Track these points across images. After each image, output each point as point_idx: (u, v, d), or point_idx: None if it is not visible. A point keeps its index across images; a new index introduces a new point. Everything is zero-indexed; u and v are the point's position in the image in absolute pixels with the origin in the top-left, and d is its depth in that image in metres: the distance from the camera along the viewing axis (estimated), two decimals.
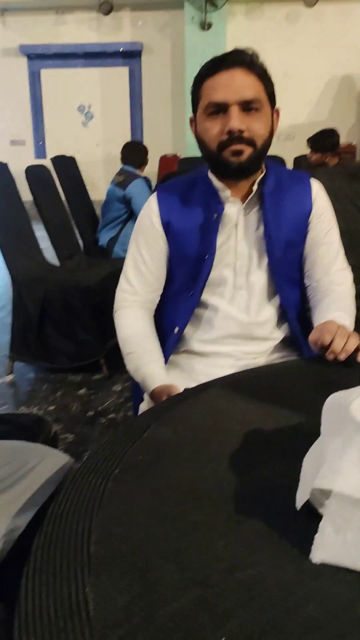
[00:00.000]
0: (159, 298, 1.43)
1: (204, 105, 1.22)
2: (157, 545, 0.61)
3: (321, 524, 0.58)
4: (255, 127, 1.19)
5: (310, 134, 4.38)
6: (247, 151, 1.21)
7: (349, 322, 1.25)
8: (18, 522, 0.80)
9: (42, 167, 3.46)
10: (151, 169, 4.42)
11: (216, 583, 0.55)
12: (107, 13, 8.09)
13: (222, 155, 1.22)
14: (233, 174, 1.26)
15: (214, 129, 1.21)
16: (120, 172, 4.03)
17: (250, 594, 0.54)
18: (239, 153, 1.20)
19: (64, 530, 0.63)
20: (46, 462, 0.91)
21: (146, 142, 5.71)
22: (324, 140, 4.23)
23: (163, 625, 0.50)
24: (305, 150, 4.58)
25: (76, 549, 0.60)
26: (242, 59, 1.19)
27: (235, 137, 1.18)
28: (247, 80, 1.18)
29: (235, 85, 1.17)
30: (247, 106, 1.18)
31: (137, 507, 0.67)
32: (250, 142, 1.20)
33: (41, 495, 0.84)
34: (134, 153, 4.15)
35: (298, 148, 5.53)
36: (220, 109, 1.19)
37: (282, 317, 1.39)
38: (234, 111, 1.17)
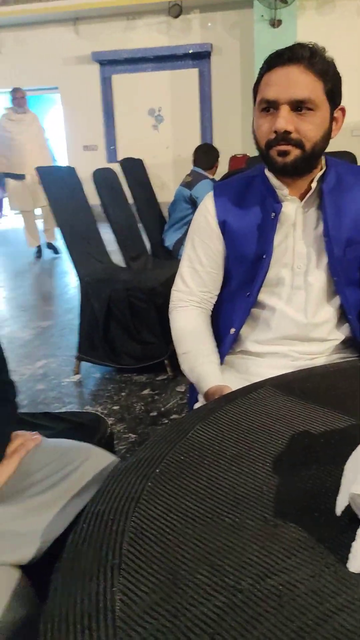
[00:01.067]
0: (215, 298, 1.42)
1: (258, 101, 1.20)
2: (190, 547, 0.60)
3: (359, 532, 0.55)
4: (305, 128, 1.15)
5: None
6: (294, 153, 1.16)
7: None
8: (60, 521, 0.81)
9: (108, 170, 3.52)
10: (221, 169, 4.42)
11: (246, 588, 0.54)
12: (177, 16, 8.16)
13: (269, 153, 1.19)
14: (279, 173, 1.23)
15: (264, 127, 1.18)
16: (190, 173, 4.06)
17: (281, 601, 0.52)
18: (284, 154, 1.17)
19: (99, 529, 0.64)
20: (92, 461, 0.92)
21: (216, 143, 5.71)
22: None
23: (187, 629, 0.49)
24: None
25: (109, 547, 0.61)
26: (301, 55, 1.14)
27: (281, 137, 1.15)
28: (302, 79, 1.14)
29: (288, 83, 1.13)
30: (298, 106, 1.13)
31: (174, 507, 0.67)
32: (298, 144, 1.15)
33: (84, 495, 0.85)
34: (204, 155, 4.17)
35: None
36: (271, 107, 1.16)
37: (342, 317, 1.35)
38: (283, 111, 1.13)
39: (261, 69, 1.20)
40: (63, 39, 8.87)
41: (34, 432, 1.00)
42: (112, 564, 0.58)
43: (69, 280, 5.55)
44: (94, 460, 0.92)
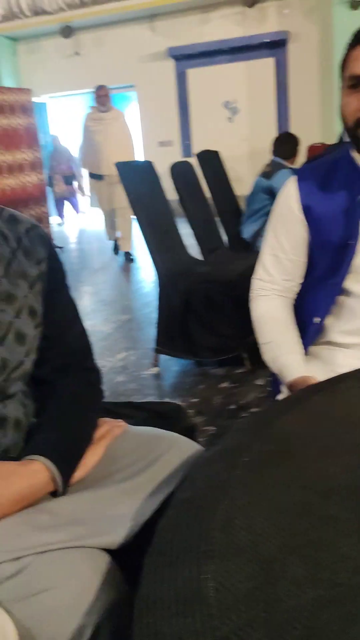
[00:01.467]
0: (298, 287, 1.38)
1: (345, 78, 1.15)
2: (282, 537, 0.58)
3: None
4: None
5: None
6: None
7: None
8: (147, 506, 0.80)
9: (186, 163, 3.53)
10: (300, 159, 4.31)
11: (343, 582, 0.51)
12: (252, 5, 8.04)
13: (357, 133, 1.14)
14: None
15: (352, 104, 1.13)
16: (270, 163, 3.98)
17: None
18: None
19: (187, 516, 0.63)
20: (177, 449, 0.91)
21: (293, 132, 5.58)
22: None
23: (284, 620, 0.47)
24: None
25: (199, 534, 0.59)
26: None
27: None
28: None
29: None
30: None
31: (264, 497, 0.65)
32: None
33: (170, 482, 0.85)
34: (283, 144, 4.08)
35: None
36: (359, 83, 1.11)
37: None
38: None
39: (348, 44, 1.15)
40: (139, 36, 8.97)
41: (119, 420, 1.01)
42: (202, 551, 0.57)
43: (145, 276, 5.62)
44: (179, 448, 0.92)
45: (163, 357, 3.21)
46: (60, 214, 10.09)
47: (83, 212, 10.77)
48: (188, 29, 8.65)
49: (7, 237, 0.91)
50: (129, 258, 6.39)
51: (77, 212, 10.57)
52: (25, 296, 0.91)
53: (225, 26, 8.49)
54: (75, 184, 9.90)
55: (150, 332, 3.50)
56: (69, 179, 9.75)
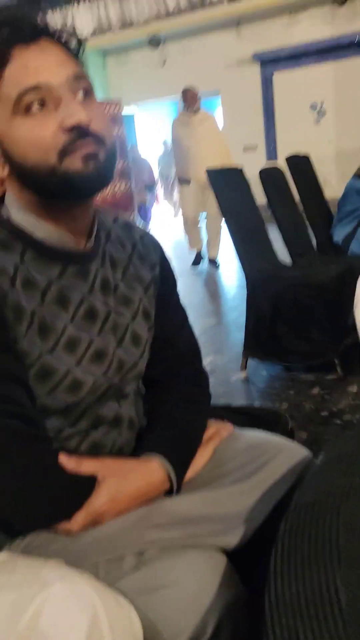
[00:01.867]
0: None
1: None
2: None
3: None
4: None
5: None
6: None
7: None
8: (258, 511, 0.81)
9: (274, 169, 3.51)
10: None
11: None
12: (343, 3, 7.86)
13: None
14: None
15: None
16: None
17: None
18: None
19: (310, 520, 0.62)
20: (285, 453, 0.91)
21: None
22: None
23: None
24: None
25: (324, 539, 0.59)
26: None
27: None
28: None
29: None
30: None
31: None
32: None
33: (280, 486, 0.84)
34: None
35: None
36: None
37: None
38: None
39: None
40: (225, 43, 9.01)
41: (226, 422, 1.02)
42: (330, 556, 0.56)
43: (230, 280, 5.61)
44: (288, 453, 0.91)
45: (251, 362, 3.19)
46: (144, 221, 10.31)
47: (161, 220, 10.93)
48: (274, 32, 8.58)
49: (124, 243, 0.95)
50: (214, 265, 6.27)
51: (154, 219, 10.75)
52: (140, 299, 0.94)
53: (313, 27, 8.35)
54: (154, 192, 10.11)
55: (237, 336, 3.49)
56: (150, 187, 9.94)
